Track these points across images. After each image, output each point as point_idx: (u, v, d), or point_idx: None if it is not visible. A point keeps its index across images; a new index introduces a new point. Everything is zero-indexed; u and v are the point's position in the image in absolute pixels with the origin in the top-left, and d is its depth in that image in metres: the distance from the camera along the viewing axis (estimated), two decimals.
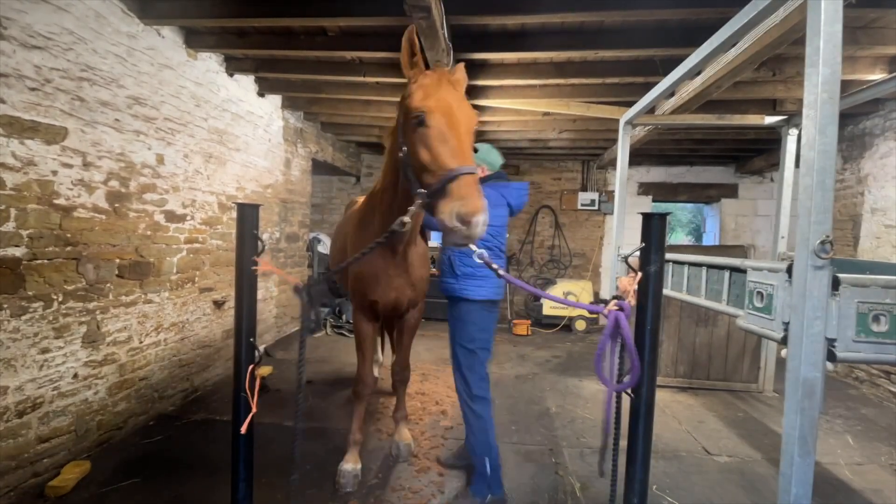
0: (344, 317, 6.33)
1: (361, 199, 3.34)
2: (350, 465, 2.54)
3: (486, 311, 2.51)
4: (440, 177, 1.55)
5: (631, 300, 1.45)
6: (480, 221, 1.45)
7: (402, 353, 2.82)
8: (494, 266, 1.53)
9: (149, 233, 3.18)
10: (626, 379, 1.42)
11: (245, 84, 4.31)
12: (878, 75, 3.35)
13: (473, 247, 1.53)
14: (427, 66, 1.90)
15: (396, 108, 1.92)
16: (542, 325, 6.81)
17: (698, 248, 6.04)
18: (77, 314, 2.64)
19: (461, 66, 1.90)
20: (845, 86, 3.27)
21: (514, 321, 6.61)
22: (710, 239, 7.94)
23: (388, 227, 1.96)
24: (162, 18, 3.02)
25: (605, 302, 1.47)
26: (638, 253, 1.52)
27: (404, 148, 1.73)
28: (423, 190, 1.61)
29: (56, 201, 2.49)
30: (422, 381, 4.21)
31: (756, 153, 6.45)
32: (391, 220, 1.80)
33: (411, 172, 1.70)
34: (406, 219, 1.59)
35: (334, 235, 2.65)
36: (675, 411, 3.70)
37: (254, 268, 1.59)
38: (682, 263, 2.36)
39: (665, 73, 3.00)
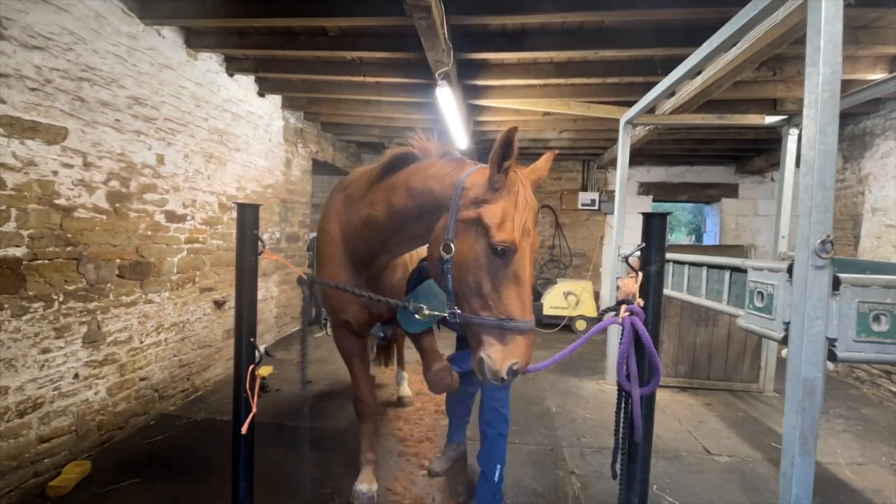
0: None
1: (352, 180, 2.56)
2: (365, 485, 2.39)
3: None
4: (494, 315, 1.47)
5: (639, 301, 1.45)
6: (516, 376, 1.47)
7: (427, 357, 2.32)
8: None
9: (149, 233, 3.18)
10: (650, 384, 1.41)
11: (245, 84, 4.31)
12: (878, 75, 3.34)
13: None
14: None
15: (443, 185, 1.62)
16: (542, 325, 6.80)
17: (698, 248, 6.04)
18: (78, 314, 2.64)
19: (551, 154, 1.71)
20: (846, 85, 3.27)
21: None
22: (710, 239, 7.93)
23: (362, 246, 1.98)
24: (162, 18, 3.02)
25: (615, 309, 1.46)
26: (638, 253, 1.52)
27: (451, 248, 1.51)
28: (458, 310, 1.52)
29: (56, 201, 2.49)
30: (422, 382, 4.21)
31: (756, 153, 6.45)
32: (369, 262, 1.91)
33: (450, 279, 1.53)
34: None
35: (319, 232, 2.33)
36: (675, 411, 3.70)
37: (260, 252, 1.59)
38: (682, 263, 2.36)
39: (665, 73, 3.01)
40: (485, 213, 1.48)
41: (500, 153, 1.44)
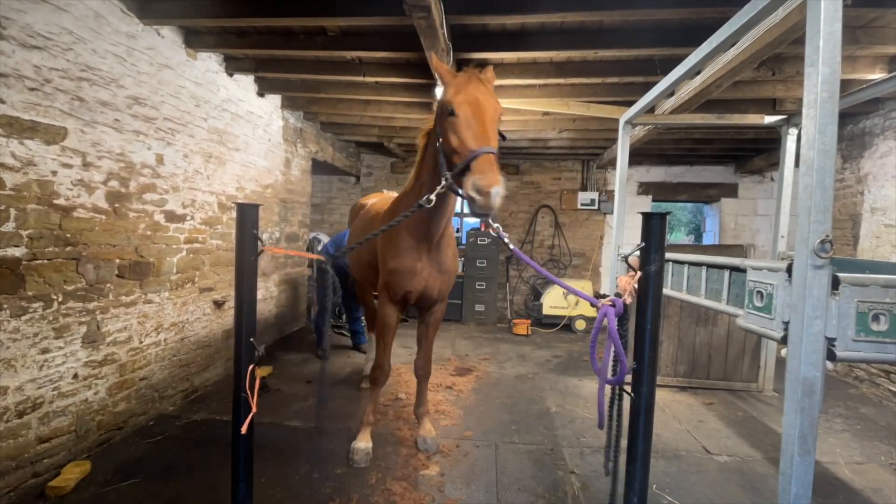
0: (344, 317, 6.33)
1: (370, 202, 3.55)
2: (363, 443, 2.75)
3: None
4: (465, 157, 1.84)
5: (628, 298, 1.46)
6: (496, 192, 1.71)
7: (425, 348, 2.94)
8: (507, 240, 1.79)
9: (149, 233, 3.18)
10: (616, 375, 1.44)
11: (245, 84, 4.31)
12: (877, 75, 3.35)
13: (491, 221, 1.81)
14: (460, 69, 2.25)
15: (435, 109, 2.29)
16: (542, 325, 6.81)
17: (698, 248, 6.05)
18: (77, 314, 2.64)
19: (490, 67, 2.20)
20: (845, 85, 3.27)
21: (515, 321, 6.61)
22: (709, 238, 7.94)
23: (422, 223, 2.42)
24: (161, 18, 3.02)
25: (603, 297, 1.49)
26: (638, 252, 1.53)
27: (440, 139, 2.05)
28: (448, 171, 1.96)
29: (56, 201, 2.49)
30: None
31: (756, 153, 6.45)
32: (425, 215, 2.30)
33: (443, 158, 2.02)
34: (432, 196, 1.91)
35: (352, 241, 3.01)
36: (675, 411, 3.70)
37: (260, 252, 1.60)
38: (682, 263, 2.36)
39: (664, 73, 3.00)
40: (440, 99, 2.08)
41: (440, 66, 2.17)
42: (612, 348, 1.46)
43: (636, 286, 1.49)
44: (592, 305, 1.54)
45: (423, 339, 2.95)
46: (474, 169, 1.78)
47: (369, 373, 2.91)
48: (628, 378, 1.52)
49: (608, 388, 1.57)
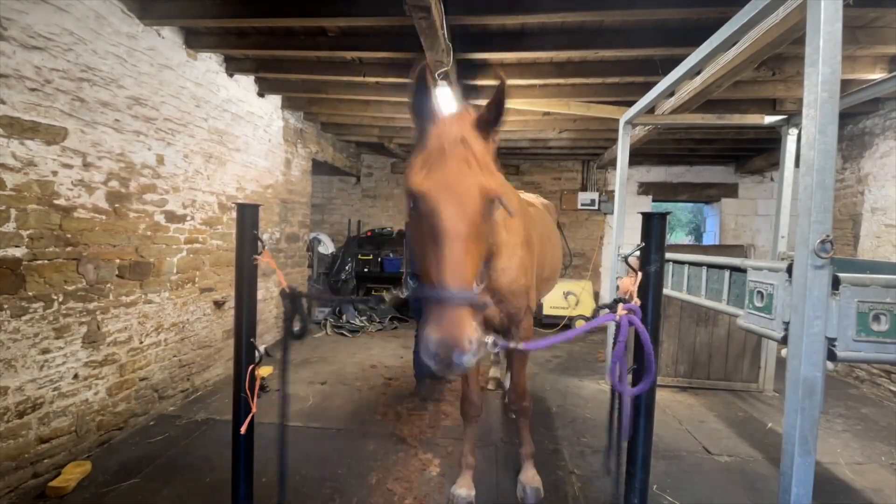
0: (344, 317, 6.34)
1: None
2: (464, 490, 2.35)
3: None
4: (423, 288, 1.22)
5: (636, 301, 1.45)
6: (457, 360, 1.11)
7: (514, 378, 2.45)
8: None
9: (149, 233, 3.18)
10: (641, 383, 1.41)
11: (245, 84, 4.31)
12: (877, 74, 3.35)
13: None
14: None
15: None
16: (542, 325, 6.81)
17: (698, 248, 6.05)
18: (77, 314, 2.64)
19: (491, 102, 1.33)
20: (845, 85, 3.27)
21: None
22: (710, 238, 7.94)
23: None
24: (162, 19, 3.02)
25: (612, 307, 1.46)
26: (638, 253, 1.53)
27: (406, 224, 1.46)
28: (412, 284, 1.34)
29: (56, 202, 2.49)
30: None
31: (756, 153, 6.45)
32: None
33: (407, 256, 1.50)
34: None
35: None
36: (675, 411, 3.70)
37: (255, 256, 1.59)
38: (682, 263, 2.36)
39: (665, 73, 3.01)
40: (406, 173, 1.31)
41: (414, 101, 1.26)
42: (616, 355, 1.42)
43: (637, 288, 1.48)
44: (602, 322, 1.49)
45: (510, 367, 2.48)
46: (431, 320, 1.16)
47: (460, 406, 2.46)
48: (627, 378, 1.52)
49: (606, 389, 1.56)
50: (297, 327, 1.61)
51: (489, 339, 1.29)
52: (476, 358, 1.14)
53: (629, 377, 1.52)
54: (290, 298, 1.57)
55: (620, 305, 1.43)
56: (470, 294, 1.16)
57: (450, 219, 1.19)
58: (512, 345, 1.44)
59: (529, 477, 2.46)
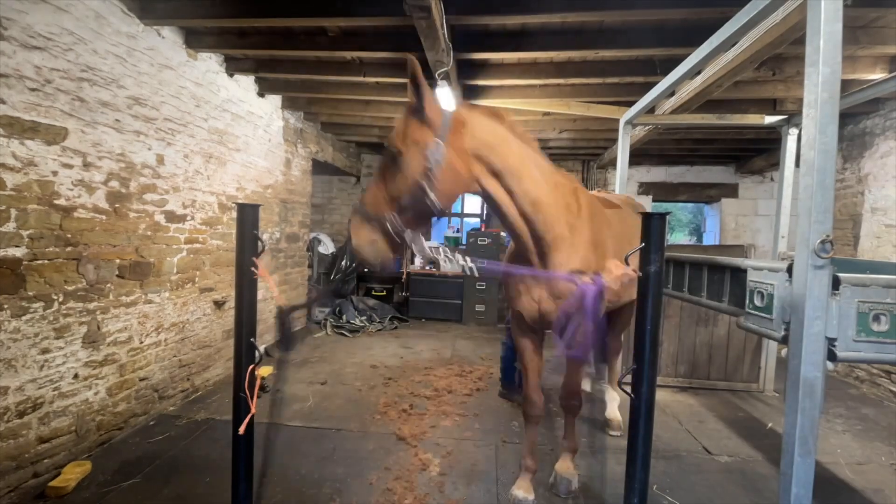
0: (344, 317, 6.34)
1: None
2: (521, 492, 2.36)
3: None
4: None
5: (614, 284, 1.47)
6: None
7: (568, 378, 2.42)
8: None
9: (149, 233, 3.18)
10: (578, 350, 1.50)
11: (245, 84, 4.31)
12: (878, 75, 3.35)
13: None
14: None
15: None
16: None
17: (698, 248, 6.05)
18: (77, 314, 2.64)
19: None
20: (845, 85, 3.27)
21: None
22: (710, 239, 7.93)
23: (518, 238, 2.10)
24: (162, 19, 3.02)
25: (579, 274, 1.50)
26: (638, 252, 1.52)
27: None
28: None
29: (56, 202, 2.49)
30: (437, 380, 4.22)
31: (756, 153, 6.45)
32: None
33: None
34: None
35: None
36: (675, 411, 3.70)
37: (252, 269, 1.59)
38: (682, 263, 2.36)
39: (665, 73, 3.00)
40: None
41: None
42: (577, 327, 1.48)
43: (622, 273, 1.48)
44: (570, 280, 1.55)
45: (567, 369, 2.42)
46: None
47: (522, 408, 2.48)
48: (628, 378, 1.52)
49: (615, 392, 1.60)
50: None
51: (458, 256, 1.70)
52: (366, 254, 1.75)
53: (628, 377, 1.53)
54: (286, 313, 1.78)
55: (588, 276, 1.47)
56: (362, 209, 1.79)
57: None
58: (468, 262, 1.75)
59: (565, 468, 2.52)
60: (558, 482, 2.49)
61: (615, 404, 3.39)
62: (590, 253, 2.07)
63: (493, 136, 1.86)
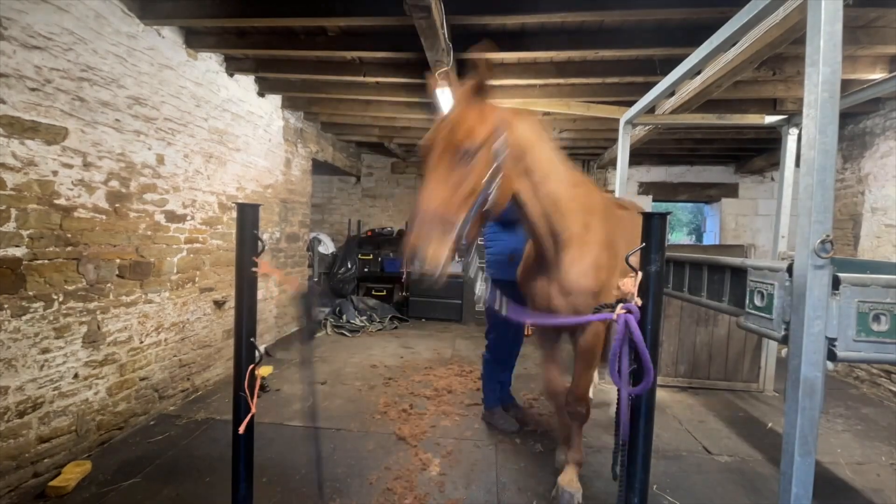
0: (344, 317, 6.34)
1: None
2: (569, 487, 2.32)
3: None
4: None
5: (637, 301, 1.45)
6: (419, 264, 1.54)
7: (574, 381, 2.35)
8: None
9: (149, 233, 3.18)
10: (641, 383, 1.41)
11: (245, 84, 4.31)
12: (878, 74, 3.35)
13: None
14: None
15: None
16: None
17: (698, 248, 6.05)
18: (77, 314, 2.64)
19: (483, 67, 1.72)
20: (846, 85, 3.27)
21: None
22: (710, 238, 7.93)
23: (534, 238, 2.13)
24: (162, 18, 3.02)
25: (612, 307, 1.46)
26: (638, 252, 1.52)
27: None
28: None
29: (56, 201, 2.49)
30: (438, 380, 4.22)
31: (756, 153, 6.45)
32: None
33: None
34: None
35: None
36: (675, 411, 3.70)
37: (253, 269, 1.59)
38: (682, 263, 2.36)
39: (664, 73, 3.00)
40: None
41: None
42: (619, 355, 1.43)
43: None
44: (599, 319, 1.50)
45: (574, 369, 2.36)
46: None
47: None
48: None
49: (615, 392, 1.54)
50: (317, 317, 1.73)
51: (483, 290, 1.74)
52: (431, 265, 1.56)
53: (630, 378, 1.52)
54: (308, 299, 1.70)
55: (619, 305, 1.43)
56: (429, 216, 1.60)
57: (432, 173, 1.66)
58: (496, 307, 1.68)
59: (567, 480, 2.38)
60: (560, 495, 2.35)
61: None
62: (602, 254, 2.08)
63: (526, 137, 1.84)
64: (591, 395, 3.82)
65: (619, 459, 1.53)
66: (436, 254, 1.56)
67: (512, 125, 1.78)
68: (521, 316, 1.78)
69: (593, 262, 2.06)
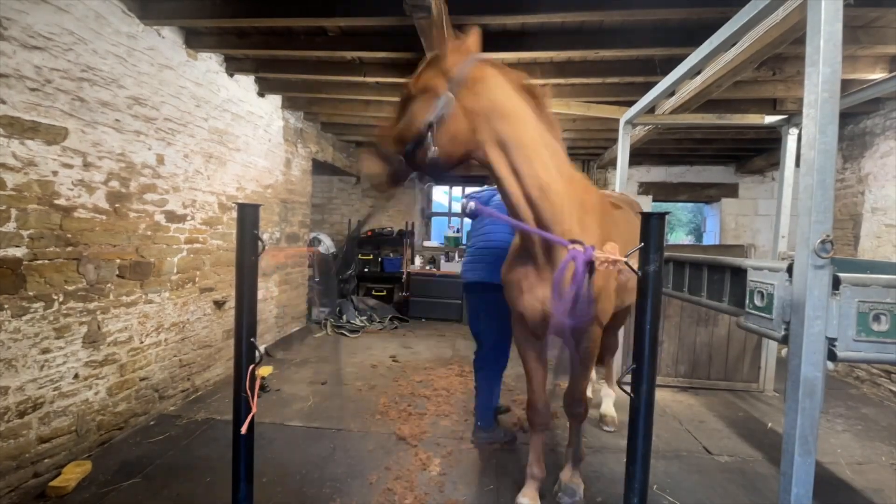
0: (345, 317, 6.34)
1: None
2: (527, 500, 2.30)
3: (479, 296, 2.77)
4: None
5: (601, 266, 1.43)
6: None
7: (572, 384, 2.34)
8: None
9: (149, 233, 3.18)
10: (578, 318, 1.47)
11: (245, 84, 4.31)
12: (878, 74, 3.34)
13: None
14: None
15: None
16: None
17: (698, 248, 6.05)
18: (78, 314, 2.64)
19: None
20: (846, 85, 3.27)
21: None
22: (710, 238, 7.93)
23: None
24: (162, 19, 3.02)
25: (581, 245, 1.43)
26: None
27: None
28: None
29: (56, 202, 2.49)
30: (435, 381, 4.22)
31: (756, 152, 6.44)
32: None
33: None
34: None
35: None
36: (675, 411, 3.70)
37: (262, 251, 1.59)
38: (682, 263, 2.36)
39: (664, 73, 3.00)
40: None
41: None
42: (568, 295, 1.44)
43: (615, 258, 1.45)
44: (558, 243, 1.52)
45: (572, 373, 2.33)
46: None
47: (527, 414, 2.42)
48: (627, 378, 1.52)
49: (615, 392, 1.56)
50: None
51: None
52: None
53: (628, 376, 1.52)
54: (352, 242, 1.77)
55: (579, 245, 1.42)
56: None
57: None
58: None
59: (568, 476, 2.43)
60: (563, 491, 2.39)
61: (610, 401, 3.43)
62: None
63: (508, 104, 1.74)
64: (589, 394, 3.86)
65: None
66: (373, 176, 1.80)
67: (482, 84, 1.71)
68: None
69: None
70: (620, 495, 1.54)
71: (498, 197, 2.40)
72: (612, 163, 6.85)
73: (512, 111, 1.74)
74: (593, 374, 3.87)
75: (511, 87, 1.78)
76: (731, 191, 7.23)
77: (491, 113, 1.71)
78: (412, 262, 7.59)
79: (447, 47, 1.73)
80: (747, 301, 1.73)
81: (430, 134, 1.66)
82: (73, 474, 2.45)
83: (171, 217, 3.39)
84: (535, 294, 2.03)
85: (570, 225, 1.86)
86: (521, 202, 1.83)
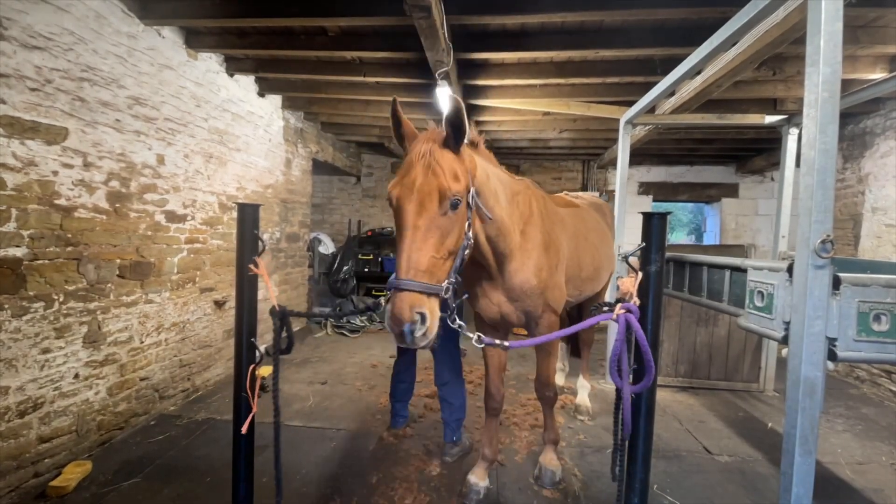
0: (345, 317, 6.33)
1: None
2: (475, 478, 2.43)
3: None
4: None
5: (635, 301, 1.45)
6: (408, 333, 1.38)
7: (539, 370, 2.50)
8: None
9: (149, 233, 3.18)
10: (642, 381, 1.41)
11: (245, 84, 4.31)
12: (878, 74, 3.34)
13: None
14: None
15: None
16: None
17: (699, 248, 6.05)
18: (78, 314, 2.64)
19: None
20: (846, 85, 3.27)
21: None
22: (710, 238, 7.93)
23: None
24: (162, 19, 3.02)
25: (611, 306, 1.46)
26: (638, 252, 1.52)
27: None
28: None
29: (57, 202, 2.49)
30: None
31: (756, 152, 6.44)
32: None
33: None
34: (383, 301, 1.57)
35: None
36: (675, 411, 3.70)
37: (250, 265, 1.59)
38: (682, 263, 2.36)
39: (665, 73, 3.01)
40: None
41: (394, 123, 1.65)
42: (619, 355, 1.42)
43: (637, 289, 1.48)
44: (599, 321, 1.50)
45: (537, 360, 2.52)
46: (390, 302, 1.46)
47: (484, 400, 2.55)
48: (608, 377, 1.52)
49: (614, 392, 1.54)
50: (283, 345, 1.63)
51: (474, 336, 1.53)
52: (426, 335, 1.42)
53: (630, 377, 1.52)
54: (280, 316, 1.58)
55: (619, 305, 1.43)
56: (415, 283, 1.43)
57: (411, 222, 1.48)
58: (497, 342, 1.52)
59: (548, 459, 2.59)
60: (543, 474, 2.56)
61: (585, 392, 3.61)
62: (542, 256, 2.18)
63: (483, 169, 1.82)
64: (557, 380, 3.82)
65: (619, 459, 1.53)
66: (432, 325, 1.44)
67: (475, 163, 1.74)
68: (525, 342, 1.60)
69: (534, 266, 2.16)
70: (621, 495, 1.54)
71: None
72: (612, 163, 6.85)
73: (485, 176, 1.81)
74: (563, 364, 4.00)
75: (476, 156, 1.82)
76: (732, 191, 7.23)
77: (480, 189, 1.75)
78: None
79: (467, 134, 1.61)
80: (747, 301, 1.73)
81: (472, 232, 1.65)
82: (73, 474, 2.45)
83: (172, 217, 3.39)
84: (489, 298, 2.26)
85: (515, 239, 2.05)
86: (485, 242, 1.94)
